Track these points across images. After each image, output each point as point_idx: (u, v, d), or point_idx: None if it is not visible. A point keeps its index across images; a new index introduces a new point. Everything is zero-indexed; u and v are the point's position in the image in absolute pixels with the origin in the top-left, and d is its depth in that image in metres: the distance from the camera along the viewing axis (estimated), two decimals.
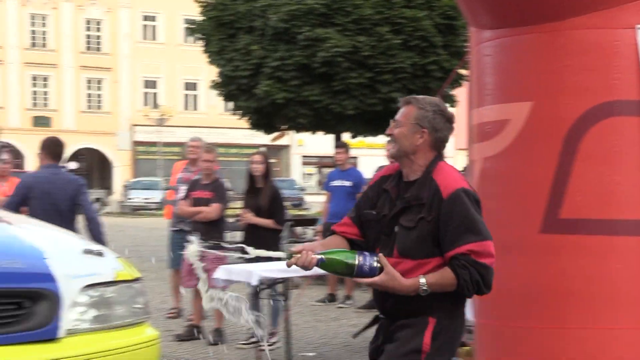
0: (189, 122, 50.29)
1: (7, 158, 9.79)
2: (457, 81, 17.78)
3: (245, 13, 18.33)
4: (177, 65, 53.07)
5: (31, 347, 3.58)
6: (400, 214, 3.82)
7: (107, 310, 3.93)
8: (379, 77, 17.73)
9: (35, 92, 51.63)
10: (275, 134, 23.23)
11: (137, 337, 4.00)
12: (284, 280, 7.67)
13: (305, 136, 32.22)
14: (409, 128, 3.85)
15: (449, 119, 3.91)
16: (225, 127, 48.80)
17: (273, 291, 8.06)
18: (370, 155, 42.38)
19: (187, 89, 54.65)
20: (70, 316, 3.74)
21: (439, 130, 3.86)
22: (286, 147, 51.74)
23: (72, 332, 3.73)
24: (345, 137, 19.31)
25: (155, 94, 53.96)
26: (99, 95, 53.23)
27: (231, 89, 19.57)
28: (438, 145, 3.89)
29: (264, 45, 18.10)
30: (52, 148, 8.11)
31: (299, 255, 3.66)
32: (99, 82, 53.17)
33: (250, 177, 8.53)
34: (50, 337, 3.65)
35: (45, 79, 51.86)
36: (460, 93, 16.96)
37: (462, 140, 6.47)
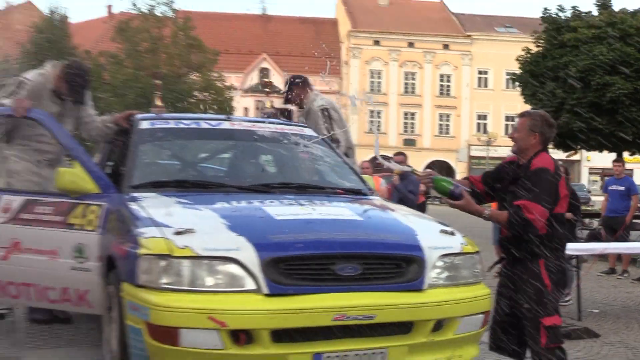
0: (508, 143, 47.99)
1: (368, 164, 9.24)
2: None
3: (552, 67, 17.79)
4: (501, 104, 51.78)
5: (406, 294, 3.62)
6: (509, 186, 3.78)
7: (455, 273, 3.86)
8: None
9: (405, 123, 52.86)
10: (571, 152, 22.12)
11: (475, 292, 3.89)
12: (577, 256, 7.20)
13: (593, 154, 30.06)
14: (525, 133, 3.80)
15: (552, 125, 3.83)
16: None
17: (569, 264, 7.56)
18: None
19: (507, 120, 52.99)
20: (431, 275, 3.72)
21: (545, 133, 3.79)
22: (578, 161, 48.51)
23: (432, 286, 3.71)
24: (625, 154, 17.89)
25: (485, 124, 53.03)
26: (447, 125, 53.33)
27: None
28: (545, 143, 3.82)
29: (565, 89, 17.41)
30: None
31: (420, 173, 3.90)
32: (447, 116, 53.27)
33: None
34: (418, 289, 3.66)
35: (412, 115, 52.94)
36: None
37: None
